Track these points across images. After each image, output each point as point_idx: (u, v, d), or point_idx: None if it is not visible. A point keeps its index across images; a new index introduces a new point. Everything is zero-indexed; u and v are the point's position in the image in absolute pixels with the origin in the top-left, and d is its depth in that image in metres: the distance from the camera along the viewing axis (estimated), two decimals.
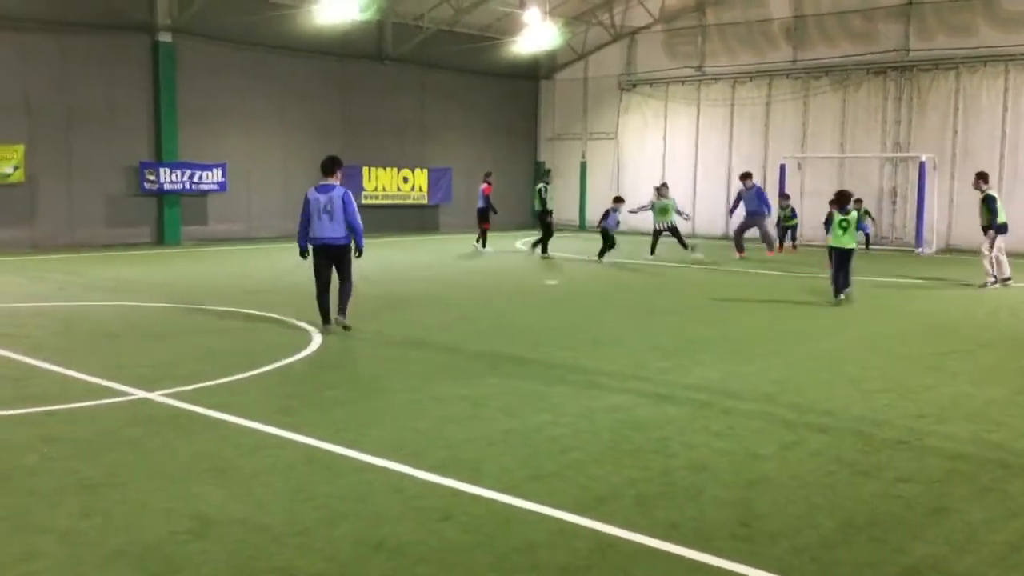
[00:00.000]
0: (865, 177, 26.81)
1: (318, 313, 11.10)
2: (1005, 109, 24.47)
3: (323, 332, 10.84)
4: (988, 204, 16.08)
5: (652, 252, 21.54)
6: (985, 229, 16.21)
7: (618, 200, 21.70)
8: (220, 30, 24.36)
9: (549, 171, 23.69)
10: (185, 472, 5.75)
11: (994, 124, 24.64)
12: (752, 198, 22.26)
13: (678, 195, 28.67)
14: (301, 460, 6.01)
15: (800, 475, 5.84)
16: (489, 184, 23.50)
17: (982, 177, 16.57)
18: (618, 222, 21.31)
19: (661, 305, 14.07)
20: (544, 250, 21.82)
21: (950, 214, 25.29)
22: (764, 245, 22.72)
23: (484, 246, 23.19)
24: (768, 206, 22.54)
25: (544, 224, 21.96)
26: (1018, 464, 6.13)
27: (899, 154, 26.09)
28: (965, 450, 6.44)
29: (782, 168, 26.41)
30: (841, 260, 14.10)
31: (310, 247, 11.00)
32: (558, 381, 8.44)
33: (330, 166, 11.01)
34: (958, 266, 20.44)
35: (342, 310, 11.06)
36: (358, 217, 10.95)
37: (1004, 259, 16.43)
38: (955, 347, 10.48)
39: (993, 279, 16.23)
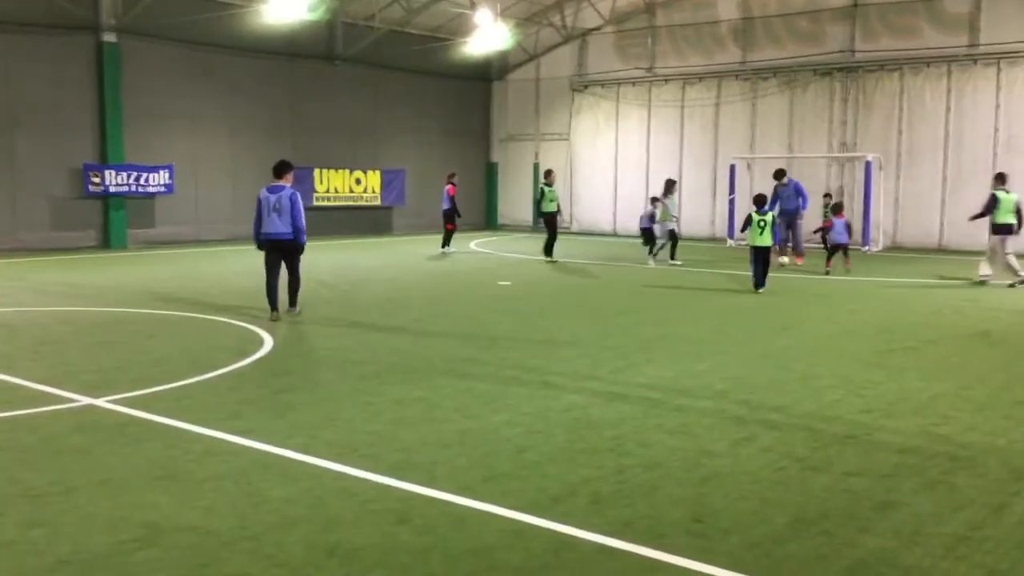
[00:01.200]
0: (813, 177, 27.17)
1: (267, 301, 11.99)
2: (948, 109, 25.02)
3: (271, 319, 11.78)
4: (989, 204, 16.36)
5: (673, 256, 20.21)
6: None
7: (656, 200, 21.16)
8: (166, 30, 23.99)
9: (550, 171, 22.00)
10: (133, 480, 5.64)
11: (937, 124, 25.17)
12: (790, 195, 20.07)
13: (631, 195, 28.98)
14: (252, 465, 5.93)
15: (752, 471, 5.89)
16: (453, 185, 23.28)
17: (996, 177, 16.93)
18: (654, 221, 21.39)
19: (615, 305, 14.14)
20: (549, 253, 20.83)
21: (896, 212, 25.79)
22: (792, 250, 20.30)
23: (446, 246, 23.10)
24: (805, 200, 20.30)
25: (550, 226, 20.83)
26: (965, 457, 6.25)
27: (845, 154, 26.54)
28: (912, 444, 6.55)
29: (732, 168, 26.72)
30: (758, 256, 15.39)
31: (261, 242, 12.02)
32: (513, 382, 8.43)
33: (281, 169, 12.09)
34: (904, 264, 20.85)
35: (292, 302, 12.18)
36: (302, 217, 11.94)
37: (1012, 260, 16.18)
38: (902, 344, 10.67)
39: (1021, 279, 16.12)
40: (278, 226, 11.77)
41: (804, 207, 20.27)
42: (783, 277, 17.69)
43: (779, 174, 20.55)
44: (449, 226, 23.17)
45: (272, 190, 11.81)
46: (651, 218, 20.73)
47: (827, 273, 18.08)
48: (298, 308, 12.20)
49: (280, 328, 11.22)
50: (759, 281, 15.37)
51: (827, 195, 24.81)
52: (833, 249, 18.58)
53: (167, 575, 4.31)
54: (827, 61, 26.71)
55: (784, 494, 5.48)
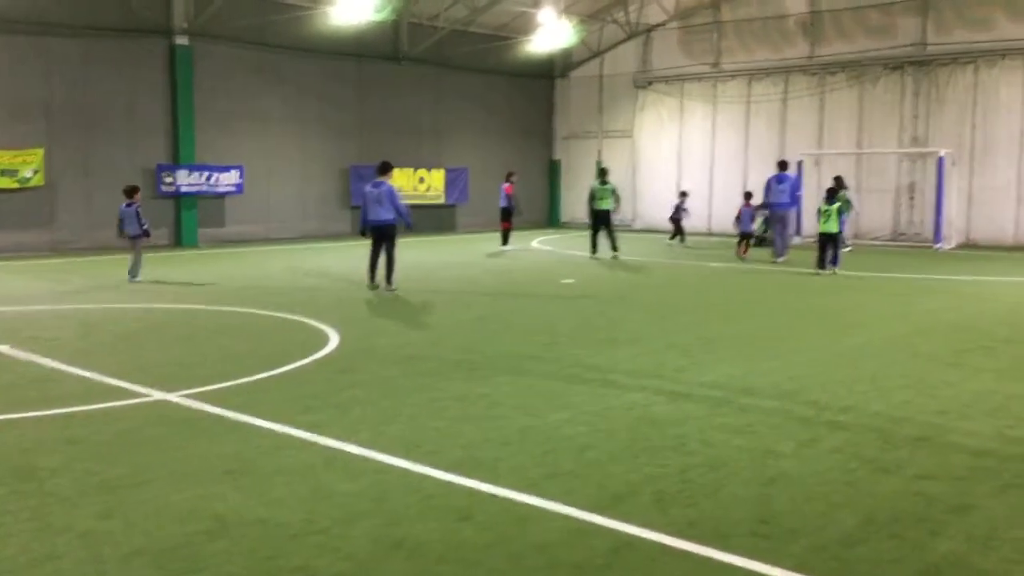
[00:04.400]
0: (883, 173, 26.66)
1: (367, 274, 14.84)
2: None
3: (368, 288, 14.58)
4: None
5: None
6: None
7: (684, 194, 25.45)
8: (236, 32, 24.48)
9: (606, 170, 22.00)
10: (205, 472, 5.78)
11: (1013, 119, 24.44)
12: (774, 189, 19.80)
13: (695, 193, 28.60)
14: (319, 460, 6.03)
15: (819, 472, 5.80)
16: (511, 184, 23.53)
17: None
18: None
19: (678, 303, 14.03)
20: (615, 248, 20.67)
21: (968, 209, 25.12)
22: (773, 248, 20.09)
23: (505, 244, 23.24)
24: (791, 198, 20.03)
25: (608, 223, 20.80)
26: None
27: (917, 149, 25.91)
28: (987, 446, 6.38)
29: (799, 165, 26.27)
30: (824, 242, 17.44)
31: (366, 228, 14.66)
32: (574, 379, 8.43)
33: (382, 168, 14.81)
34: (977, 262, 20.29)
35: (387, 279, 14.63)
36: (400, 202, 14.53)
37: None
38: (976, 343, 10.39)
39: None
40: (379, 214, 14.37)
41: (792, 204, 20.59)
42: (855, 276, 17.37)
43: (781, 165, 20.63)
44: (505, 224, 23.31)
45: (375, 185, 14.49)
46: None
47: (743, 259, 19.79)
48: (393, 285, 14.58)
49: (346, 326, 11.36)
50: (822, 264, 17.34)
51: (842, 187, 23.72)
52: (743, 236, 20.56)
53: (236, 567, 4.40)
54: (898, 55, 26.11)
55: (853, 496, 5.38)
